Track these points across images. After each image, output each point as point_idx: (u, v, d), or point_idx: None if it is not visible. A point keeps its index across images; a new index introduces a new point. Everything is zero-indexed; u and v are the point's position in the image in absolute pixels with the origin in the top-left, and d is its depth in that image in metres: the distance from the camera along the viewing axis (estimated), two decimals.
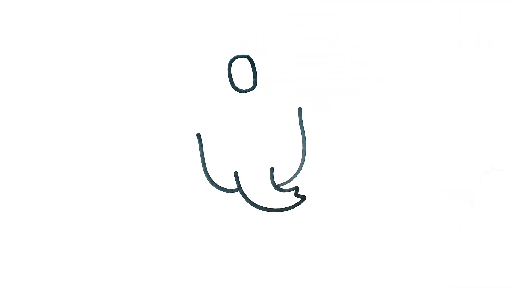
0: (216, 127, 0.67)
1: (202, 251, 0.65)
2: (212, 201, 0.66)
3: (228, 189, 0.67)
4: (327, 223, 0.67)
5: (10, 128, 0.65)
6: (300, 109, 0.68)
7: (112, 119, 0.65)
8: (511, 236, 0.68)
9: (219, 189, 0.66)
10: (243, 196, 0.66)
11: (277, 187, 0.67)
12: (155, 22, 0.67)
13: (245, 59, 0.67)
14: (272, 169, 0.67)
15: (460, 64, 0.67)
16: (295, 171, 0.68)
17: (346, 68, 0.68)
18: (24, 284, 0.64)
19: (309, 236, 0.67)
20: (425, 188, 0.68)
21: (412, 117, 0.68)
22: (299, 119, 0.68)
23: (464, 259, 0.67)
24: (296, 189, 0.67)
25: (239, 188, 0.66)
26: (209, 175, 0.66)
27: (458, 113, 0.67)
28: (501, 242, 0.68)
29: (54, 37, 0.66)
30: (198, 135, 0.66)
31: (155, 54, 0.66)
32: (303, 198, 0.67)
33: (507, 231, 0.68)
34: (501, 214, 0.68)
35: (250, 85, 0.68)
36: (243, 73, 0.68)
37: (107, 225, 0.64)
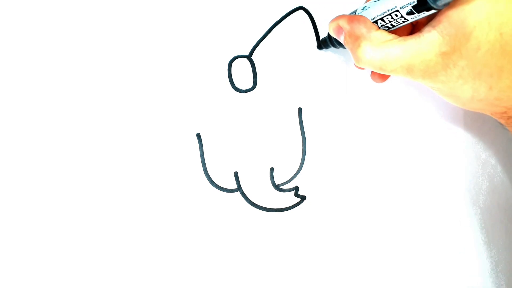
0: (216, 127, 0.67)
1: (202, 251, 0.65)
2: (212, 201, 0.66)
3: (228, 189, 0.67)
4: (327, 223, 0.67)
5: (10, 128, 0.65)
6: (300, 109, 0.68)
7: (111, 119, 0.65)
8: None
9: (219, 189, 0.66)
10: (243, 196, 0.67)
11: (277, 187, 0.67)
12: (155, 21, 0.67)
13: (245, 59, 0.67)
14: (272, 169, 0.67)
15: None
16: (295, 171, 0.68)
17: (346, 67, 0.68)
18: (24, 284, 0.64)
19: (309, 236, 0.67)
20: (426, 189, 0.68)
21: (414, 117, 0.68)
22: (299, 119, 0.68)
23: (465, 261, 0.67)
24: (296, 189, 0.67)
25: (239, 188, 0.67)
26: (209, 175, 0.66)
27: (459, 113, 0.67)
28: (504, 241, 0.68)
29: (52, 36, 0.66)
30: (198, 135, 0.66)
31: (154, 54, 0.66)
32: (303, 198, 0.67)
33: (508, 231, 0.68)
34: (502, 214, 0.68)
35: (250, 85, 0.68)
36: (243, 73, 0.68)
37: (105, 224, 0.64)
